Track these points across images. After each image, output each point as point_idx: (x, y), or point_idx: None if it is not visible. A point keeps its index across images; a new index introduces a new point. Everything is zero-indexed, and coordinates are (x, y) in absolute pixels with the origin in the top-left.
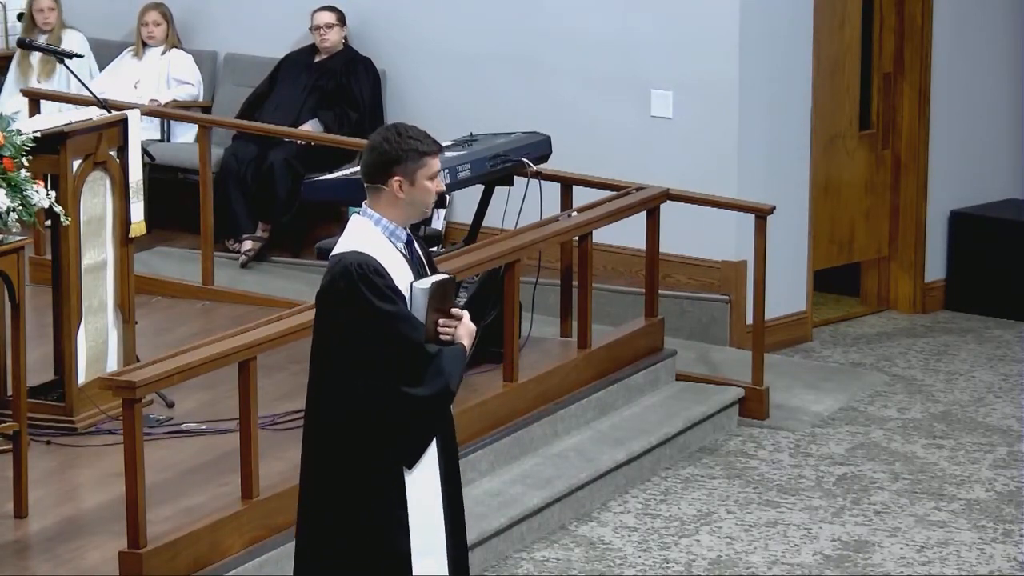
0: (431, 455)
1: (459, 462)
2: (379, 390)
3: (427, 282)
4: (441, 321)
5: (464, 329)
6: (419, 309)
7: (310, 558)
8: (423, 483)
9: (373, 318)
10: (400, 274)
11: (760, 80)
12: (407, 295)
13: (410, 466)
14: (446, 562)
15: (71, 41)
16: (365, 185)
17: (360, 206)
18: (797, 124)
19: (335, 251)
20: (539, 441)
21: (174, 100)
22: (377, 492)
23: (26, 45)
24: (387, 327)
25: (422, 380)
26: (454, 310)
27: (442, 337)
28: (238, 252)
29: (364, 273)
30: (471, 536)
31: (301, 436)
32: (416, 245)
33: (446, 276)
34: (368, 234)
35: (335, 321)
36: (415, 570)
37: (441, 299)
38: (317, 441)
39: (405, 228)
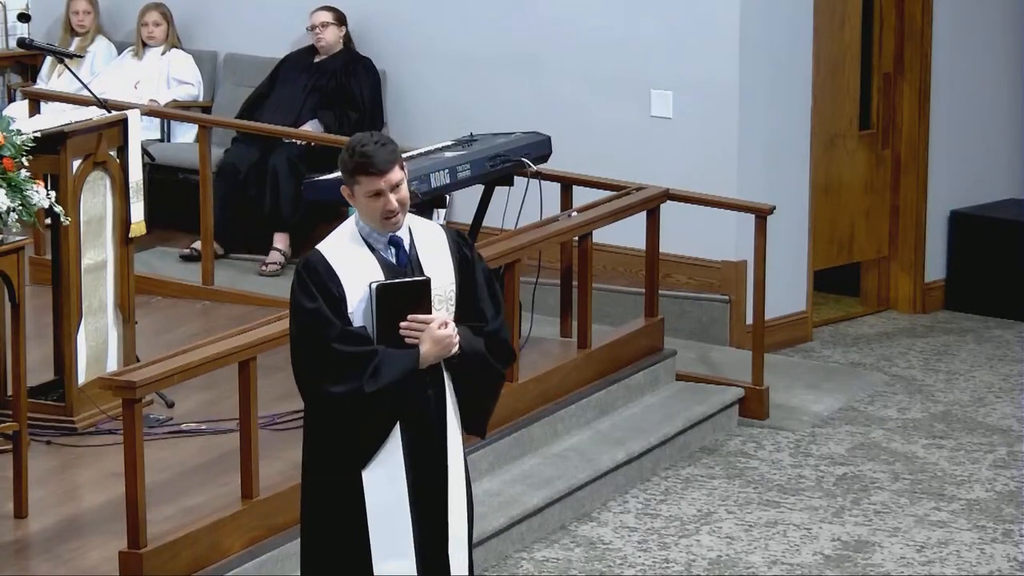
0: (393, 454)
1: (447, 462)
2: (306, 387)
3: (377, 282)
4: (402, 324)
5: (428, 335)
6: (370, 308)
7: (303, 555)
8: (384, 483)
9: (296, 314)
10: (362, 274)
11: (760, 80)
12: (362, 294)
13: (361, 464)
14: (415, 563)
15: (98, 47)
16: None
17: None
18: (797, 124)
19: None
20: (539, 441)
21: (174, 100)
22: (332, 490)
23: (27, 45)
24: (304, 323)
25: (339, 379)
26: (421, 315)
27: (407, 340)
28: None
29: (299, 269)
30: None
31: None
32: (413, 248)
33: (417, 279)
34: (342, 233)
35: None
36: (377, 570)
37: (403, 301)
38: (304, 438)
39: (386, 232)
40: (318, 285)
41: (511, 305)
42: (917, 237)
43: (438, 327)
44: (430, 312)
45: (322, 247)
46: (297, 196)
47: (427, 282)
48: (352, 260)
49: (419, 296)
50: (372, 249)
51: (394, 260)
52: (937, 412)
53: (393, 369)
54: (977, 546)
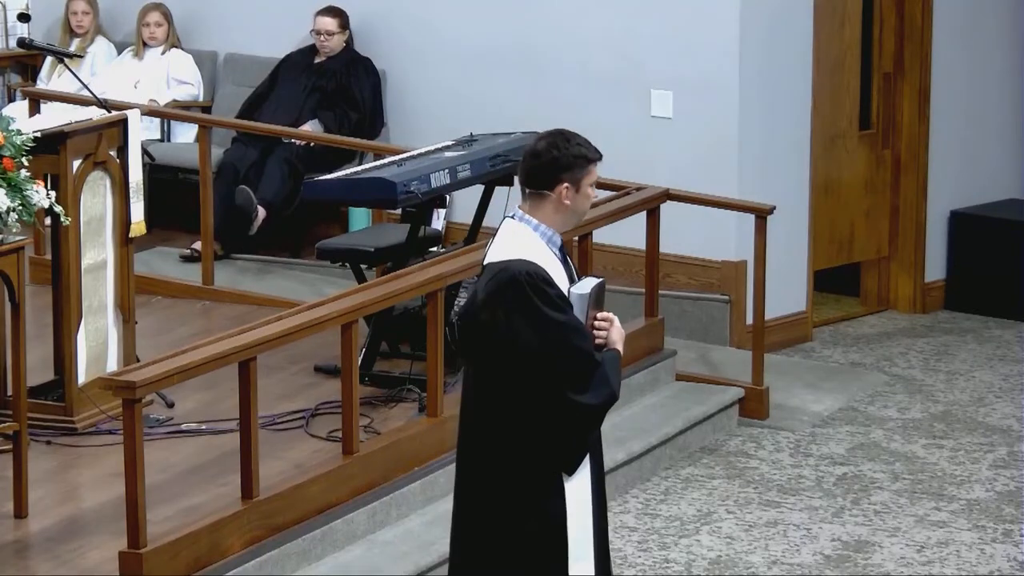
0: (584, 462)
1: (604, 463)
2: (548, 398)
3: (585, 287)
4: (596, 324)
5: (616, 332)
6: (579, 314)
7: (470, 566)
8: (579, 490)
9: (544, 327)
10: (561, 280)
11: (760, 80)
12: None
13: (571, 473)
14: (594, 568)
15: (98, 48)
16: (526, 191)
17: (359, 206)
18: (797, 124)
19: (495, 259)
20: None
21: (174, 100)
22: (543, 498)
23: (27, 44)
24: (559, 336)
25: (588, 388)
26: (605, 313)
27: (596, 340)
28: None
29: (534, 282)
30: None
31: (457, 439)
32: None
33: (600, 279)
34: (529, 241)
35: (503, 330)
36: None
37: (596, 303)
38: (480, 450)
39: (560, 234)
40: (559, 296)
41: None
42: (917, 237)
43: (619, 324)
44: (605, 310)
45: (523, 255)
46: (293, 194)
47: (604, 282)
48: (552, 267)
49: (602, 296)
50: (553, 254)
51: (564, 263)
52: (937, 412)
53: (616, 371)
54: (977, 546)
